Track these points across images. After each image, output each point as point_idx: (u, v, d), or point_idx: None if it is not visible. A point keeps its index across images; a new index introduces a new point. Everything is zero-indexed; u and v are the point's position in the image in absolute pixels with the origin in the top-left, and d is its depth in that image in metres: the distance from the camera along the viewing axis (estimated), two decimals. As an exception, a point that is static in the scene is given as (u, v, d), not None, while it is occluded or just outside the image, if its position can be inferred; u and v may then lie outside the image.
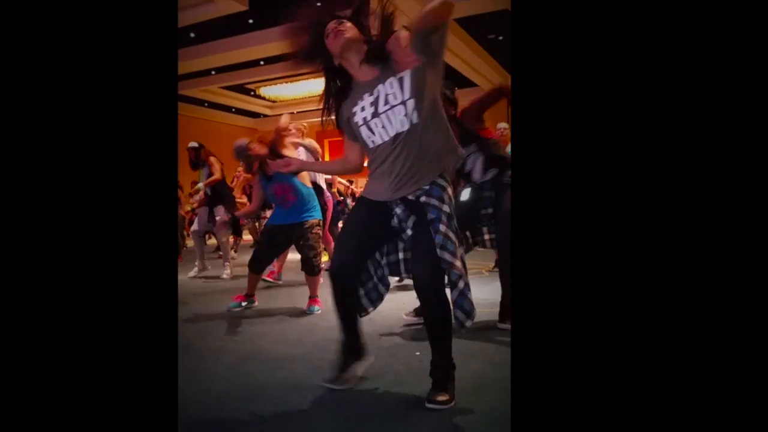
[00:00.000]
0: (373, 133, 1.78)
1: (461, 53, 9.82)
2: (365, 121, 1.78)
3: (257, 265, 3.50)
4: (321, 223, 3.49)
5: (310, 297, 3.46)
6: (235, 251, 7.42)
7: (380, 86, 1.75)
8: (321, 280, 3.49)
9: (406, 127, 1.72)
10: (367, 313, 1.96)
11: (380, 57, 1.74)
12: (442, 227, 1.72)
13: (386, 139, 1.76)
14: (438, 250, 1.70)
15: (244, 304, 3.55)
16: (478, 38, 9.81)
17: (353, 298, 1.91)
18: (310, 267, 3.38)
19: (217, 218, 5.16)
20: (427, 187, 1.75)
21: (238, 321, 3.21)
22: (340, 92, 1.87)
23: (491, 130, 2.89)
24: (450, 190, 1.79)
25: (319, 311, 3.37)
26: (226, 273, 5.09)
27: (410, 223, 1.77)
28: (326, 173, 4.99)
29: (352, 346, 1.98)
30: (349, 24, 1.76)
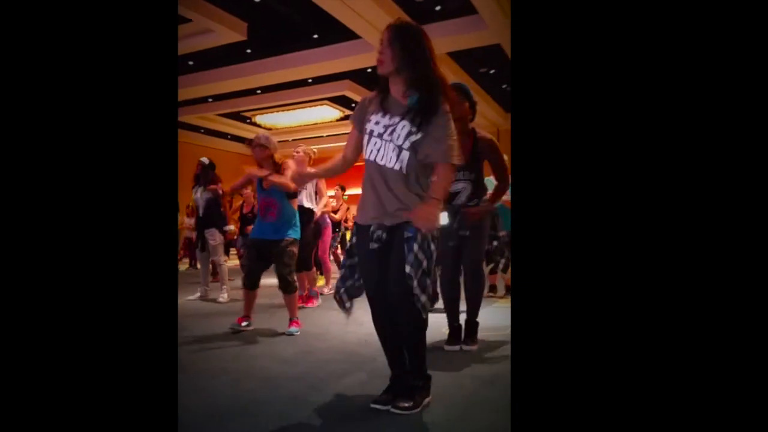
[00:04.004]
0: (368, 147, 1.95)
1: (454, 86, 10.05)
2: (371, 134, 1.94)
3: (248, 281, 3.57)
4: (297, 242, 3.57)
5: (289, 319, 3.53)
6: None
7: (399, 118, 1.89)
8: (299, 300, 3.63)
9: (392, 165, 1.89)
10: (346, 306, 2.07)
11: (420, 96, 1.85)
12: (415, 246, 1.86)
13: (374, 160, 1.93)
14: (407, 267, 1.85)
15: (243, 324, 3.57)
16: (470, 72, 10.09)
17: (394, 322, 1.97)
18: (285, 284, 3.48)
19: (211, 242, 5.13)
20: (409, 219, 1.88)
21: (235, 341, 3.27)
22: (379, 93, 1.98)
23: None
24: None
25: (298, 332, 3.44)
26: (222, 297, 5.08)
27: (382, 242, 1.91)
28: (327, 177, 5.12)
29: (400, 377, 2.01)
30: (388, 50, 1.84)
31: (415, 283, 1.86)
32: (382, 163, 1.91)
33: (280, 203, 3.48)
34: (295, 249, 3.54)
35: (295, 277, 3.57)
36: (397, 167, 1.89)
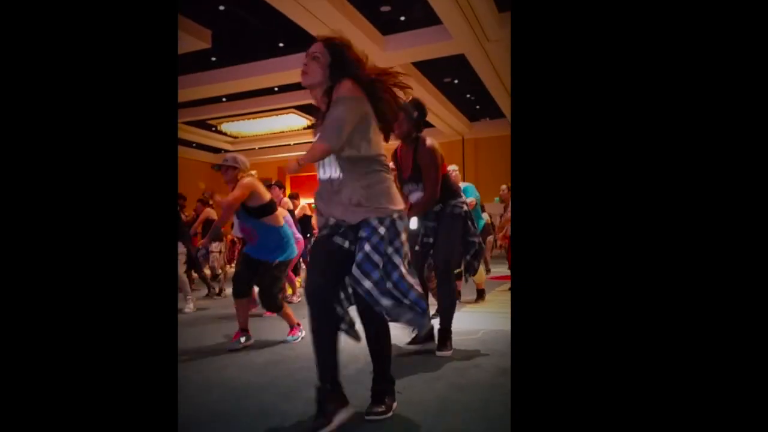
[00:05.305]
0: (317, 166, 1.93)
1: (418, 96, 10.20)
2: None
3: (235, 288, 3.43)
4: (284, 264, 3.50)
5: (290, 326, 3.54)
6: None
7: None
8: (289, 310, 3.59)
9: (336, 175, 1.86)
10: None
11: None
12: (368, 246, 1.80)
13: (322, 176, 1.92)
14: (353, 267, 1.79)
15: (243, 340, 3.36)
16: (434, 82, 10.24)
17: (331, 324, 1.86)
18: (269, 305, 3.45)
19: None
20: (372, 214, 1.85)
21: (202, 352, 3.23)
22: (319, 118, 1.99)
23: (445, 166, 3.08)
24: (396, 223, 1.87)
25: (298, 339, 3.44)
26: (188, 307, 5.11)
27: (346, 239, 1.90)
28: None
29: (332, 389, 1.81)
30: (313, 63, 1.87)
31: (369, 284, 1.78)
32: (328, 176, 1.89)
33: (253, 228, 3.40)
34: (279, 274, 3.46)
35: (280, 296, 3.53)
36: (339, 174, 1.85)
